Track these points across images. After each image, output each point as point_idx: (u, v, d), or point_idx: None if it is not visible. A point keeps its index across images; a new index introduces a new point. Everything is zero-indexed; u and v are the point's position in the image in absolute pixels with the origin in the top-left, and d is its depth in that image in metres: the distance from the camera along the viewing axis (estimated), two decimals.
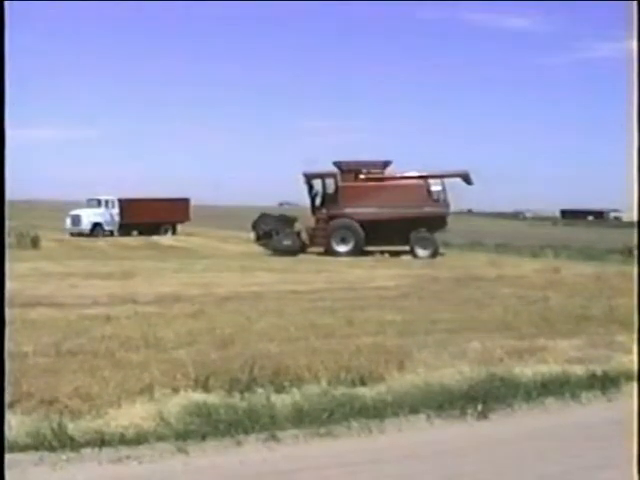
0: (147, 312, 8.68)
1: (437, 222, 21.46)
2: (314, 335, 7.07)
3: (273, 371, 5.36)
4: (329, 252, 21.33)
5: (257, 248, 22.31)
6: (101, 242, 25.07)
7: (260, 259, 19.62)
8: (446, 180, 22.05)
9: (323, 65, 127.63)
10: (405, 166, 23.55)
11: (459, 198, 24.16)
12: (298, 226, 22.81)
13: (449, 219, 22.16)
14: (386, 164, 22.35)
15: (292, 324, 7.71)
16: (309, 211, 22.66)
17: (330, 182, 22.13)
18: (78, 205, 32.67)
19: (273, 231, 21.85)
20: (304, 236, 22.36)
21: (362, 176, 22.05)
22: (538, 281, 13.16)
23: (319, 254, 21.65)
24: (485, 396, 5.09)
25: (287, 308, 9.20)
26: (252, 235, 22.95)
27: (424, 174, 21.91)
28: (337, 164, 22.19)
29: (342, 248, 21.42)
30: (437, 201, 21.66)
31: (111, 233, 30.74)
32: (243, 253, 22.42)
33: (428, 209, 21.29)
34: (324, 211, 22.01)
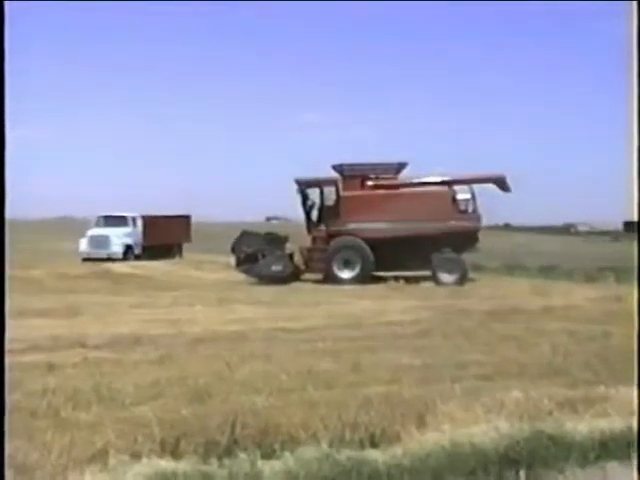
0: (99, 358, 8.69)
1: (465, 239, 21.55)
2: (311, 384, 7.10)
3: (260, 430, 5.39)
4: (329, 279, 21.40)
5: (238, 275, 22.33)
6: (36, 271, 25.10)
7: (242, 289, 19.64)
8: (476, 187, 22.19)
9: (318, 49, 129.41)
10: (422, 169, 23.80)
11: (493, 209, 24.32)
12: (290, 247, 22.89)
13: (481, 235, 22.26)
14: (400, 167, 22.48)
15: (283, 371, 7.74)
16: (303, 228, 22.78)
17: (330, 191, 22.25)
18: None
19: (258, 253, 21.92)
20: (297, 259, 22.44)
21: (370, 183, 22.19)
22: (595, 313, 13.19)
23: (317, 282, 21.67)
24: (529, 459, 5.10)
25: (277, 351, 9.22)
26: (232, 259, 23.01)
27: (448, 179, 22.03)
28: (338, 168, 22.32)
29: (346, 274, 21.49)
30: (465, 213, 21.78)
31: (137, 257, 31.56)
32: (220, 282, 22.42)
33: (454, 223, 21.40)
34: (323, 227, 22.11)
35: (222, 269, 25.63)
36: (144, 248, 32.28)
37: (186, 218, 36.59)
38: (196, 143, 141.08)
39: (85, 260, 30.08)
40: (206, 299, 16.26)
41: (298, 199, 22.31)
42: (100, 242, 31.08)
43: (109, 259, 30.30)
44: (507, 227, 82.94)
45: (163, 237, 33.52)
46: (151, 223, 32.81)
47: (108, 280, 23.17)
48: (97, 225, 32.12)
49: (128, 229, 31.89)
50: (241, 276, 22.20)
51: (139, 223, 32.38)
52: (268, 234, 23.13)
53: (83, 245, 31.21)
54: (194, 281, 23.01)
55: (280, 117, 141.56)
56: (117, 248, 31.17)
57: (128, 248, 31.50)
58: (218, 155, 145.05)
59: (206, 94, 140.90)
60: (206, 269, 27.40)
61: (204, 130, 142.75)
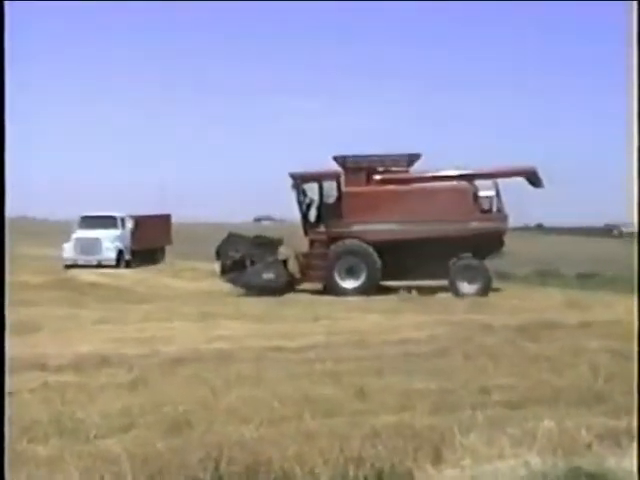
0: (61, 382, 8.70)
1: (489, 243, 21.59)
2: (309, 412, 7.11)
3: (248, 466, 5.39)
4: (330, 290, 21.45)
5: (223, 285, 22.33)
6: None
7: (228, 301, 19.66)
8: (503, 182, 22.23)
9: (314, 25, 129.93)
10: (439, 161, 23.81)
11: (522, 207, 24.35)
12: (284, 252, 22.90)
13: (507, 238, 22.29)
14: (413, 158, 22.52)
15: (276, 397, 7.76)
16: (299, 229, 22.80)
17: (330, 186, 22.29)
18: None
19: (246, 259, 21.94)
20: (292, 266, 22.45)
21: (377, 177, 22.22)
22: None
23: (315, 293, 21.70)
24: None
25: (268, 373, 9.24)
26: (216, 266, 23.02)
27: (469, 172, 22.07)
28: (340, 159, 22.36)
29: (349, 283, 21.52)
30: (489, 212, 21.83)
31: (127, 264, 31.67)
32: (202, 292, 22.42)
33: (476, 224, 21.44)
34: (322, 229, 22.15)
35: (204, 277, 25.62)
36: (132, 253, 32.37)
37: (166, 218, 36.70)
38: (172, 133, 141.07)
39: (69, 267, 29.96)
40: (185, 313, 16.29)
41: (293, 196, 22.36)
42: (90, 246, 31.03)
43: (99, 266, 30.31)
44: (539, 228, 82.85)
45: (150, 240, 33.69)
46: (141, 224, 32.93)
47: (72, 290, 23.16)
48: (82, 226, 31.98)
49: (118, 231, 31.93)
50: (227, 286, 22.19)
51: (128, 224, 32.42)
52: (258, 237, 23.17)
53: (68, 250, 31.12)
54: (171, 292, 23.00)
55: (270, 103, 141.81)
56: (110, 253, 31.14)
57: (120, 253, 31.55)
58: (198, 147, 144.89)
59: (185, 80, 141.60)
60: (186, 277, 27.39)
61: (181, 119, 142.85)
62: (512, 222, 22.93)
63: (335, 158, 22.42)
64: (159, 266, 32.71)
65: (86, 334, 13.00)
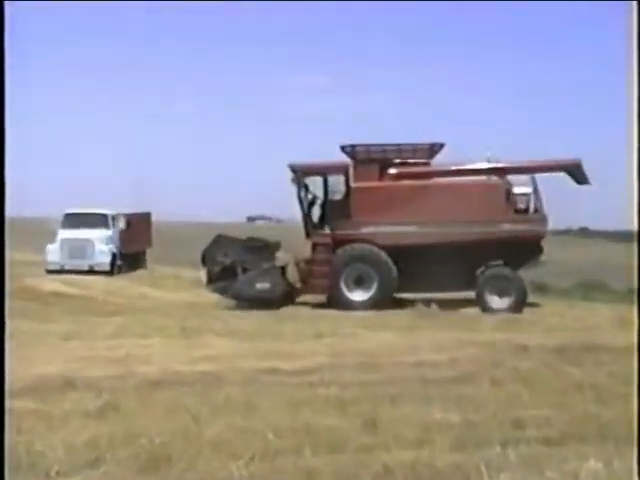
0: (18, 409, 8.66)
1: (524, 249, 21.58)
2: (310, 447, 7.11)
3: None
4: (335, 302, 21.50)
5: (210, 296, 22.33)
6: None
7: (216, 315, 19.70)
8: (541, 177, 22.22)
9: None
10: (466, 152, 23.73)
11: (564, 208, 24.29)
12: (281, 257, 22.92)
13: (546, 244, 22.29)
14: (435, 149, 22.53)
15: (270, 427, 7.74)
16: (300, 231, 22.82)
17: (337, 181, 22.34)
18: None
19: (238, 266, 21.95)
20: (292, 274, 22.47)
21: (393, 170, 22.22)
22: None
23: (318, 306, 21.72)
24: None
25: (262, 400, 9.23)
26: (202, 273, 23.03)
27: (502, 166, 22.04)
28: (349, 149, 22.40)
29: (358, 295, 21.55)
30: (524, 213, 21.82)
31: (119, 270, 31.93)
32: (186, 304, 22.44)
33: (509, 227, 21.44)
34: (327, 231, 22.17)
35: (188, 286, 25.67)
36: (122, 256, 32.55)
37: (147, 216, 36.89)
38: (152, 118, 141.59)
39: (52, 272, 30.20)
40: (165, 328, 16.30)
41: (293, 192, 22.36)
42: (80, 249, 31.22)
43: (91, 272, 30.50)
44: (584, 232, 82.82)
45: (137, 242, 34.10)
46: (135, 224, 33.46)
47: (34, 301, 23.22)
48: (67, 225, 32.09)
49: (110, 231, 32.16)
50: (214, 297, 22.20)
51: (120, 223, 32.67)
52: (251, 240, 23.17)
53: (53, 253, 31.30)
54: (149, 303, 23.05)
55: (266, 81, 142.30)
56: (104, 257, 31.29)
57: (114, 257, 31.76)
58: (181, 133, 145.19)
59: (170, 61, 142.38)
60: (166, 286, 27.44)
61: (161, 103, 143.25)
62: (552, 225, 22.89)
63: (343, 148, 22.42)
64: (136, 273, 32.78)
65: (49, 352, 13.01)
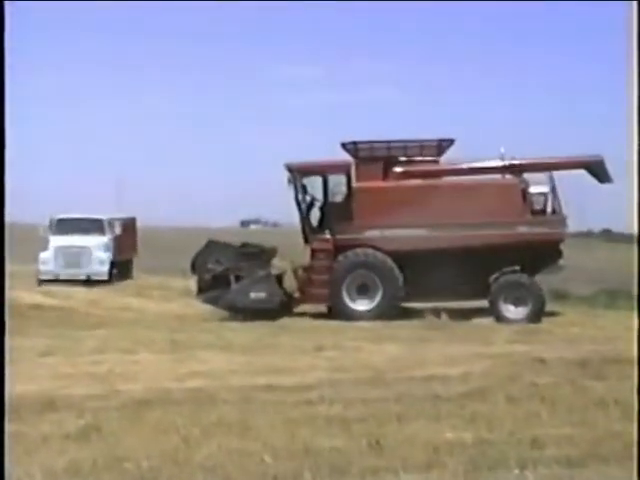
0: None
1: (542, 253, 21.61)
2: (310, 470, 7.11)
3: None
4: (337, 313, 21.52)
5: (201, 306, 22.31)
6: None
7: (207, 327, 19.69)
8: (560, 176, 22.24)
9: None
10: (477, 149, 23.70)
11: (585, 208, 24.32)
12: (278, 264, 22.91)
13: (565, 247, 22.28)
14: (444, 145, 22.54)
15: (267, 449, 7.75)
16: (298, 236, 22.82)
17: (338, 181, 22.33)
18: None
19: (231, 274, 21.95)
20: (289, 283, 22.46)
21: (398, 169, 22.23)
22: None
23: (318, 316, 21.71)
24: None
25: (258, 419, 9.23)
26: (192, 282, 23.02)
27: (517, 162, 22.04)
28: (350, 147, 22.41)
29: (361, 305, 21.56)
30: (542, 214, 21.83)
31: (114, 278, 31.94)
32: (175, 316, 22.42)
33: (525, 229, 21.48)
34: (327, 236, 22.16)
35: (177, 297, 25.63)
36: (114, 265, 32.51)
37: (132, 221, 36.80)
38: (136, 116, 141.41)
39: (44, 282, 30.27)
40: (153, 342, 16.29)
41: (290, 194, 22.35)
42: (76, 257, 31.33)
43: (88, 281, 30.58)
44: (606, 235, 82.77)
45: (126, 249, 34.14)
46: (130, 229, 33.84)
47: (11, 314, 23.12)
48: (59, 232, 32.17)
49: (105, 238, 32.19)
50: (205, 307, 22.18)
51: (116, 229, 32.67)
52: (245, 245, 23.19)
53: (46, 261, 31.32)
54: (135, 315, 23.03)
55: (259, 72, 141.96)
56: (102, 266, 31.35)
57: (112, 266, 31.81)
58: (168, 131, 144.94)
59: (158, 58, 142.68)
60: (153, 297, 27.40)
61: (147, 98, 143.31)
62: (572, 227, 22.93)
63: (344, 145, 22.42)
64: (122, 282, 32.81)
65: (27, 369, 12.95)
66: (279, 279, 22.42)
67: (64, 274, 30.83)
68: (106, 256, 31.56)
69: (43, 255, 31.41)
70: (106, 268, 31.34)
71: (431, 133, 23.10)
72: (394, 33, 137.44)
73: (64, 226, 32.30)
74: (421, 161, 22.34)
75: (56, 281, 30.35)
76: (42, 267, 31.13)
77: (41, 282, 30.37)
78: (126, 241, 34.09)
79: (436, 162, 22.47)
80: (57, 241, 31.56)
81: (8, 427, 8.84)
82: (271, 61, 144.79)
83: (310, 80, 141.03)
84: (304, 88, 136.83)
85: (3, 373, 2.89)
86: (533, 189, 21.83)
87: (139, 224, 37.63)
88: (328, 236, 22.12)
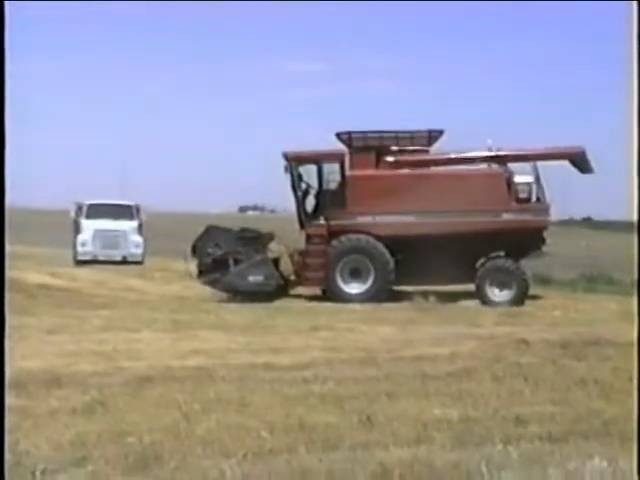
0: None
1: (526, 240, 21.65)
2: (304, 444, 7.13)
3: None
4: (331, 295, 21.54)
5: (201, 288, 22.31)
6: None
7: (206, 308, 19.69)
8: (543, 166, 22.24)
9: None
10: (465, 140, 23.72)
11: (567, 197, 24.32)
12: (275, 249, 22.90)
13: (549, 234, 22.32)
14: (433, 135, 22.53)
15: (264, 424, 7.77)
16: (294, 222, 22.83)
17: (332, 169, 22.30)
18: None
19: (230, 258, 21.95)
20: (286, 266, 22.47)
21: (390, 158, 22.22)
22: None
23: (313, 299, 21.73)
24: None
25: (255, 396, 9.24)
26: (192, 265, 23.01)
27: (503, 153, 22.06)
28: (344, 136, 22.39)
29: (354, 288, 21.57)
30: (526, 202, 21.83)
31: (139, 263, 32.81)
32: (176, 297, 22.40)
33: (510, 216, 21.48)
34: (322, 221, 22.15)
35: (178, 279, 25.57)
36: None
37: (137, 208, 37.45)
38: (136, 103, 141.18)
39: (82, 263, 31.11)
40: (155, 321, 16.32)
41: (286, 181, 22.33)
42: (113, 240, 32.31)
43: (124, 262, 31.61)
44: (587, 223, 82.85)
45: None
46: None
47: (18, 293, 23.12)
48: (92, 216, 33.01)
49: (135, 223, 33.18)
50: (205, 289, 22.18)
51: (143, 215, 33.76)
52: (243, 231, 23.17)
53: (85, 243, 32.20)
54: (138, 296, 23.00)
55: (259, 67, 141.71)
56: (137, 248, 32.41)
57: (144, 248, 32.77)
58: (169, 120, 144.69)
59: (155, 45, 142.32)
60: (155, 279, 27.37)
61: (148, 87, 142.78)
62: (555, 215, 22.93)
63: (338, 135, 22.41)
64: (126, 265, 33.04)
65: (34, 347, 12.96)
66: (276, 263, 22.42)
67: (102, 255, 31.83)
68: (140, 240, 32.50)
69: (81, 237, 32.29)
70: (140, 251, 32.34)
71: (423, 124, 22.94)
72: (391, 28, 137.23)
73: (96, 211, 33.15)
74: (412, 151, 22.34)
75: (93, 262, 31.26)
76: (80, 249, 32.02)
77: (78, 263, 31.32)
78: None
79: (426, 152, 22.47)
80: (93, 224, 32.44)
81: (16, 402, 8.94)
82: (272, 55, 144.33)
83: (310, 74, 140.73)
84: (303, 81, 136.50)
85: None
86: (518, 178, 21.85)
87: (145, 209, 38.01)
88: (323, 222, 22.11)
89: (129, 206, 33.78)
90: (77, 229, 32.82)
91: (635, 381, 5.24)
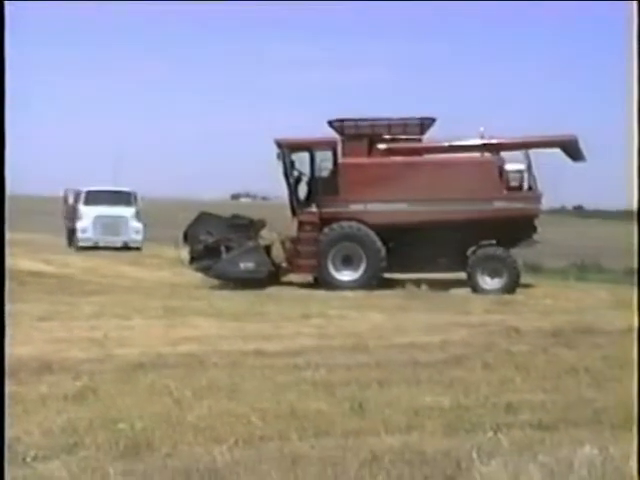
0: None
1: (517, 228, 21.64)
2: (295, 431, 7.13)
3: None
4: (323, 282, 21.50)
5: (193, 275, 22.30)
6: None
7: (198, 295, 19.66)
8: (535, 154, 22.22)
9: None
10: (457, 128, 23.68)
11: (559, 185, 24.32)
12: (267, 236, 22.87)
13: (540, 222, 22.31)
14: (426, 123, 22.50)
15: (255, 411, 7.76)
16: (286, 209, 22.79)
17: (325, 156, 22.25)
18: None
19: (222, 245, 21.93)
20: (277, 253, 22.45)
21: (382, 146, 22.19)
22: None
23: (305, 286, 21.73)
24: None
25: (247, 382, 9.25)
26: (184, 252, 22.99)
27: (494, 141, 22.04)
28: (336, 124, 22.33)
29: (346, 275, 21.56)
30: (518, 190, 21.80)
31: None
32: (168, 284, 22.38)
33: (501, 204, 21.45)
34: (314, 209, 22.12)
35: (169, 265, 25.58)
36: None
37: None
38: (128, 90, 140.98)
39: (83, 249, 31.23)
40: (146, 308, 16.30)
41: (278, 169, 22.28)
42: (115, 225, 32.47)
43: (125, 248, 31.85)
44: (579, 211, 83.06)
45: None
46: None
47: (10, 280, 23.00)
48: (91, 202, 33.11)
49: (134, 209, 33.33)
50: (197, 276, 22.16)
51: (140, 202, 33.94)
52: (235, 217, 23.13)
53: (86, 229, 32.30)
54: (130, 282, 22.97)
55: (254, 53, 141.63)
56: (137, 235, 32.62)
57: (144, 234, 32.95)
58: (161, 105, 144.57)
59: (151, 34, 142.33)
60: (147, 265, 27.38)
61: (139, 72, 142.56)
62: (546, 203, 22.92)
63: (330, 122, 22.36)
64: (116, 251, 33.04)
65: (25, 333, 12.89)
66: (267, 250, 22.38)
67: (103, 241, 32.06)
68: (140, 226, 32.71)
69: (80, 224, 32.42)
70: (141, 237, 32.61)
71: (417, 112, 22.94)
72: (386, 17, 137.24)
73: (95, 197, 33.33)
74: (404, 139, 22.30)
75: (94, 248, 31.43)
76: (81, 235, 32.19)
77: (79, 249, 31.52)
78: None
79: (418, 140, 22.44)
80: (92, 211, 32.54)
81: (6, 388, 8.92)
82: (266, 40, 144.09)
83: (303, 60, 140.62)
84: (297, 67, 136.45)
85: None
86: (509, 166, 21.81)
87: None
88: (314, 209, 22.07)
89: (128, 193, 33.89)
90: (76, 215, 32.84)
91: (635, 369, 5.22)
